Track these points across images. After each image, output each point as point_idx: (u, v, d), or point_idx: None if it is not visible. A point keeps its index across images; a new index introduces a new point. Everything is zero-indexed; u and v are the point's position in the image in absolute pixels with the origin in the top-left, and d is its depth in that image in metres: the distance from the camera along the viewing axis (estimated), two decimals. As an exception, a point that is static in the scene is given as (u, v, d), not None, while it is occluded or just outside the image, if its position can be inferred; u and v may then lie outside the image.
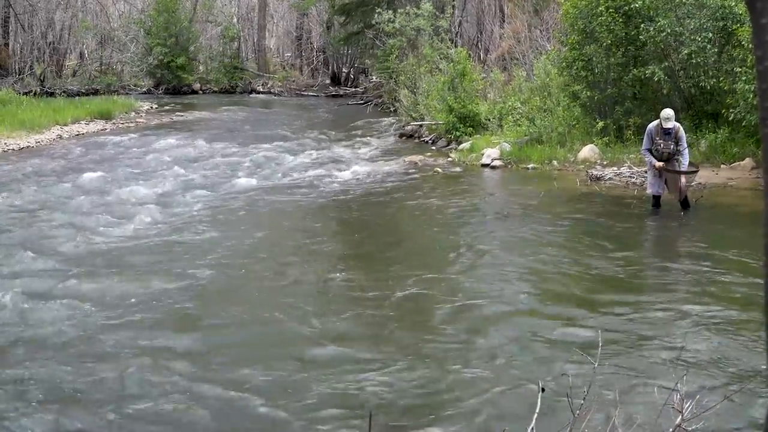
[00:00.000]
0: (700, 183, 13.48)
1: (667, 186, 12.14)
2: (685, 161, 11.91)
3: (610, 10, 16.57)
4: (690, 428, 4.28)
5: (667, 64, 16.33)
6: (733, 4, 15.09)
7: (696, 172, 12.59)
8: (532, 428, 4.09)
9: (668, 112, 11.81)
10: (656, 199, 12.22)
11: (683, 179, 11.90)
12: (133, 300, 8.21)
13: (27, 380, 6.20)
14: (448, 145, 20.92)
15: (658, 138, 11.81)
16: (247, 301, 8.34)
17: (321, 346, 7.06)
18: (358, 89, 44.73)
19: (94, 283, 8.76)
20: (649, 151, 11.98)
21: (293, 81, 48.18)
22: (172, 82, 42.95)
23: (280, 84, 46.52)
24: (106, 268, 9.39)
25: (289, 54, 56.32)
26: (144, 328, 7.39)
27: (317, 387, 6.14)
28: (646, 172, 12.96)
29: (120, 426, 5.56)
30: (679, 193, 12.05)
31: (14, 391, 6.02)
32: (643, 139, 12.33)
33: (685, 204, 12.07)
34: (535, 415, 4.11)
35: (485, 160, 17.45)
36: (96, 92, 38.23)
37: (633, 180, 14.63)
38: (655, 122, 11.97)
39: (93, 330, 7.31)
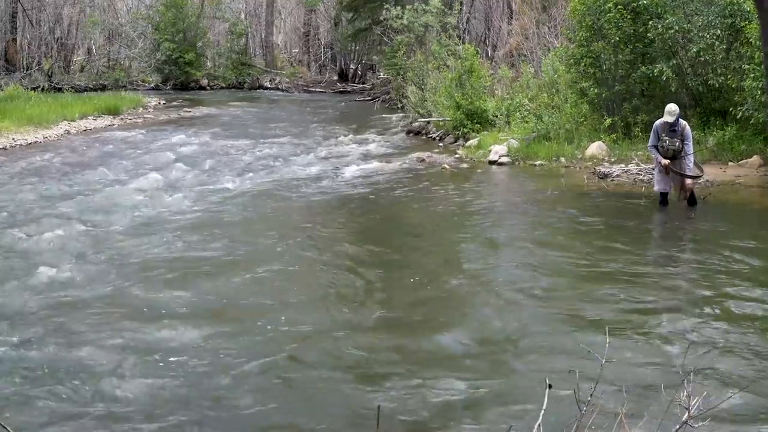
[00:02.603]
0: (707, 180, 13.45)
1: (673, 184, 12.12)
2: (689, 163, 11.89)
3: (618, 6, 16.55)
4: (697, 425, 4.27)
5: (675, 61, 16.30)
6: (742, 0, 15.05)
7: (700, 176, 12.58)
8: (539, 425, 4.08)
9: (672, 107, 11.76)
10: (663, 196, 12.19)
11: (688, 181, 11.90)
12: (139, 300, 8.23)
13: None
14: (455, 141, 20.93)
15: (664, 135, 11.78)
16: (266, 298, 8.32)
17: (337, 339, 7.08)
18: (365, 86, 44.74)
19: (98, 281, 8.79)
20: (656, 148, 11.95)
21: (301, 77, 48.24)
22: (180, 78, 43.07)
23: (287, 80, 46.59)
24: (113, 265, 9.41)
25: (297, 50, 56.38)
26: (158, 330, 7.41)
27: (328, 379, 6.16)
28: (653, 169, 12.94)
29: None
30: (681, 192, 12.04)
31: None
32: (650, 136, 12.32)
33: (692, 201, 12.05)
34: (542, 412, 4.11)
35: (493, 157, 17.44)
36: (104, 88, 38.34)
37: (640, 177, 14.60)
38: (662, 119, 11.94)
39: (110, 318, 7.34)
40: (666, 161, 11.78)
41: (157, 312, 7.68)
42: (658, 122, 12.03)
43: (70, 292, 8.25)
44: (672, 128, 11.70)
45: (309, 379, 6.23)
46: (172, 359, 6.53)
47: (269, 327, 7.35)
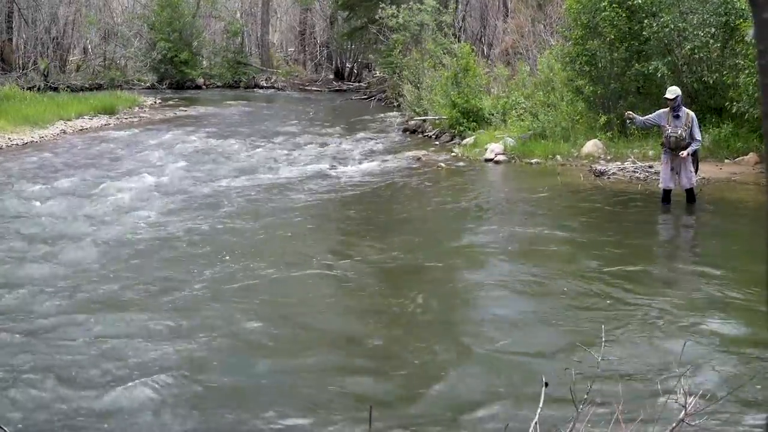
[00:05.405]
0: (703, 177, 13.47)
1: (678, 177, 11.92)
2: (690, 165, 11.76)
3: (614, 5, 16.57)
4: (693, 423, 4.29)
5: (670, 59, 16.33)
6: (736, -2, 15.10)
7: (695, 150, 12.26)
8: (536, 423, 4.10)
9: (672, 87, 11.87)
10: (666, 194, 12.07)
11: (682, 154, 11.61)
12: (133, 300, 8.24)
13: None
14: (451, 140, 20.92)
15: (668, 125, 11.67)
16: (263, 294, 8.32)
17: (337, 336, 7.10)
18: (361, 84, 44.77)
19: (95, 281, 8.79)
20: (649, 126, 12.21)
21: (297, 76, 48.24)
22: (176, 77, 43.05)
23: (283, 79, 46.58)
24: (109, 266, 9.41)
25: (293, 49, 56.37)
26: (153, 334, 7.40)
27: (321, 376, 6.17)
28: (649, 167, 12.94)
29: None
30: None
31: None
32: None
33: (690, 198, 12.03)
34: (539, 410, 4.12)
35: (489, 155, 17.45)
36: (100, 87, 38.28)
37: (636, 175, 14.63)
38: (666, 109, 11.84)
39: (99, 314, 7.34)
40: (629, 113, 12.42)
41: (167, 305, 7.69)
42: (663, 110, 11.94)
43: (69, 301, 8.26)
44: (675, 113, 11.61)
45: (305, 374, 6.24)
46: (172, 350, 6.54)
47: (268, 323, 7.37)
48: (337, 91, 44.39)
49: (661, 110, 12.07)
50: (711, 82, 15.83)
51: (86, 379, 6.13)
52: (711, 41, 15.54)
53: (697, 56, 15.89)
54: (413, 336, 7.19)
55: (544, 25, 26.18)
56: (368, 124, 26.70)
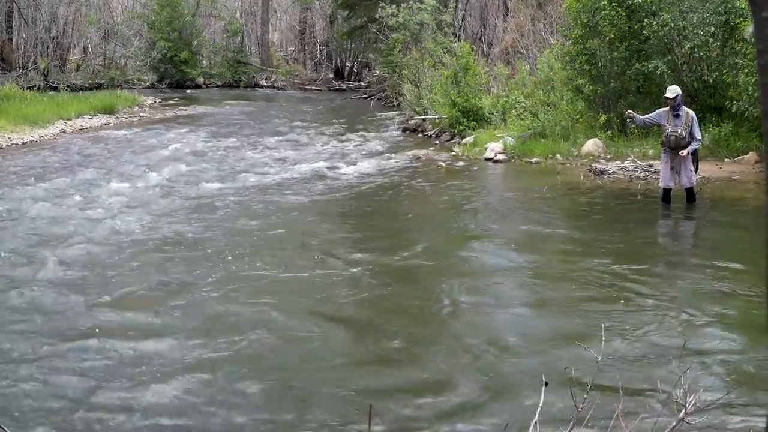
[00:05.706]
0: (703, 176, 13.46)
1: (678, 176, 11.92)
2: (690, 164, 11.74)
3: (613, 4, 16.57)
4: (693, 422, 4.29)
5: (670, 58, 16.33)
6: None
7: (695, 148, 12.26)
8: (536, 422, 4.10)
9: (672, 86, 11.89)
10: (666, 193, 12.05)
11: (682, 152, 11.60)
12: (128, 302, 8.23)
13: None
14: (451, 139, 20.91)
15: (668, 124, 11.66)
16: (273, 293, 8.31)
17: (325, 336, 7.10)
18: (361, 83, 44.76)
19: (97, 282, 8.79)
20: (649, 125, 12.26)
21: (297, 75, 48.26)
22: (176, 77, 43.04)
23: (283, 78, 46.58)
24: (111, 267, 9.41)
25: (293, 48, 56.38)
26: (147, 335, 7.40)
27: (323, 374, 6.17)
28: (649, 167, 12.92)
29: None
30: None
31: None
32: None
33: (690, 197, 12.02)
34: (538, 409, 4.12)
35: (488, 155, 17.44)
36: (99, 87, 38.25)
37: (636, 174, 14.62)
38: (666, 108, 11.84)
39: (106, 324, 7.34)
40: (629, 112, 12.41)
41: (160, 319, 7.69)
42: (663, 109, 11.94)
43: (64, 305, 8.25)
44: (675, 113, 11.59)
45: (303, 373, 6.24)
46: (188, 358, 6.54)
47: (265, 319, 7.37)
48: (336, 90, 44.41)
49: (661, 109, 12.06)
50: (711, 81, 15.83)
51: (100, 380, 6.13)
52: (711, 40, 15.54)
53: (696, 55, 15.89)
54: (408, 335, 7.18)
55: (544, 24, 26.19)
56: (368, 123, 26.69)
